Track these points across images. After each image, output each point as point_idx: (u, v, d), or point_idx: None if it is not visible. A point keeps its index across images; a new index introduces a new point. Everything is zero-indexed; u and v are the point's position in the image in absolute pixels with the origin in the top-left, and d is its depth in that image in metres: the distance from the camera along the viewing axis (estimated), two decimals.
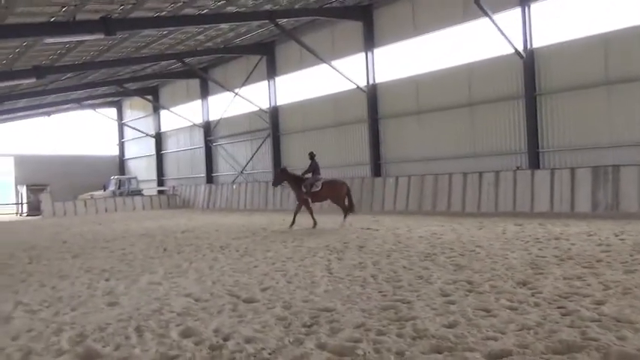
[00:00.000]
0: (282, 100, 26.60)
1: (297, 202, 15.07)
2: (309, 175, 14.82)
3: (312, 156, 14.96)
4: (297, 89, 25.65)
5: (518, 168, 17.04)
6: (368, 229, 13.62)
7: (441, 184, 18.15)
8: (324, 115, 24.13)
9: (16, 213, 33.96)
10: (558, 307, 5.09)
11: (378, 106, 21.60)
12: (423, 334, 4.47)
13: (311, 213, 14.72)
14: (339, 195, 14.62)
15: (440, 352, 4.05)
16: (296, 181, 14.73)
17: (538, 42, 16.81)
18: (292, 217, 14.79)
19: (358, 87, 21.70)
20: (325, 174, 24.13)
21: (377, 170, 21.75)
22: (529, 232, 11.29)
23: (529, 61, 16.81)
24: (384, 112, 21.47)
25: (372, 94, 21.56)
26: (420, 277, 6.95)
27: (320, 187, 14.46)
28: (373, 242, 10.79)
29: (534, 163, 16.88)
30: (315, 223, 14.47)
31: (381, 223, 14.97)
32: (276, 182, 15.20)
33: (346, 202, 14.71)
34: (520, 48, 16.83)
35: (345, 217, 14.68)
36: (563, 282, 6.19)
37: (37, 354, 4.49)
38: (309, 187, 14.45)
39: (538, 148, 16.92)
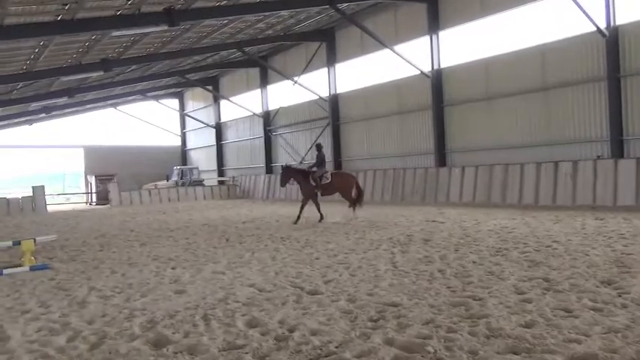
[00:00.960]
0: (342, 88, 26.54)
1: (303, 197, 14.78)
2: (315, 168, 14.55)
3: (319, 147, 14.68)
4: (357, 76, 25.49)
5: (599, 157, 16.10)
6: (433, 221, 13.47)
7: (511, 174, 17.50)
8: (386, 102, 23.85)
9: (86, 202, 36.28)
10: None
11: (443, 93, 21.07)
12: (498, 333, 4.34)
13: (318, 207, 14.56)
14: (348, 187, 14.40)
15: (517, 353, 3.92)
16: (304, 176, 14.49)
17: (622, 18, 15.75)
18: (298, 213, 14.60)
19: (422, 72, 21.25)
20: (387, 164, 24.26)
21: (442, 160, 21.26)
22: (612, 226, 10.67)
23: (612, 40, 15.80)
24: (450, 98, 20.91)
25: (437, 79, 21.04)
26: (491, 272, 6.77)
27: (330, 179, 14.23)
28: (439, 235, 10.65)
29: (617, 151, 15.87)
30: (321, 217, 14.28)
31: (446, 216, 14.74)
32: (283, 182, 14.80)
33: (354, 195, 14.43)
34: (602, 25, 15.84)
35: (353, 210, 14.42)
36: None
37: (111, 338, 4.78)
38: (318, 180, 14.19)
39: (622, 135, 15.88)
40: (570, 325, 4.46)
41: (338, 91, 26.71)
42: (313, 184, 14.04)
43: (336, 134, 26.83)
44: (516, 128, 18.75)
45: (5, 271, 8.49)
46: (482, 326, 4.52)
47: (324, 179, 14.13)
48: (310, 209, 15.17)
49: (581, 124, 17.03)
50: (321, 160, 14.54)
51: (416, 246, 9.39)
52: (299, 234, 12.09)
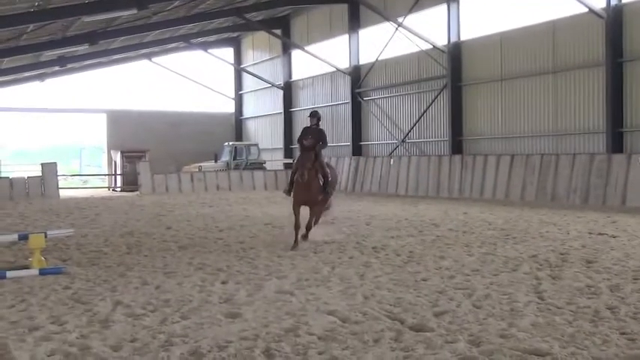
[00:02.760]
0: (468, 33, 26.01)
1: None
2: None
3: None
4: (491, 15, 24.87)
5: None
6: (600, 234, 13.05)
7: None
8: (534, 54, 23.14)
9: (109, 187, 38.30)
10: None
11: (623, 41, 20.13)
12: None
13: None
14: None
15: None
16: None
17: None
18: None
19: (592, 10, 20.35)
20: (532, 146, 23.63)
21: (617, 142, 20.32)
22: None
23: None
24: (633, 49, 19.92)
25: (617, 22, 20.09)
26: None
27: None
28: (609, 255, 10.31)
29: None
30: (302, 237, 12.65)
31: (621, 227, 14.21)
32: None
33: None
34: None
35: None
36: None
37: None
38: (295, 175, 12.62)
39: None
40: None
41: (462, 39, 26.20)
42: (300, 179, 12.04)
43: (457, 101, 26.38)
44: None
45: (9, 274, 9.23)
46: None
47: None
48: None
49: None
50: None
51: (573, 270, 9.10)
52: (399, 244, 12.09)
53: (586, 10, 20.33)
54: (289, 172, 33.90)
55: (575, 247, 11.35)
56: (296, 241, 11.88)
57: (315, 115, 12.66)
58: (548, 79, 22.72)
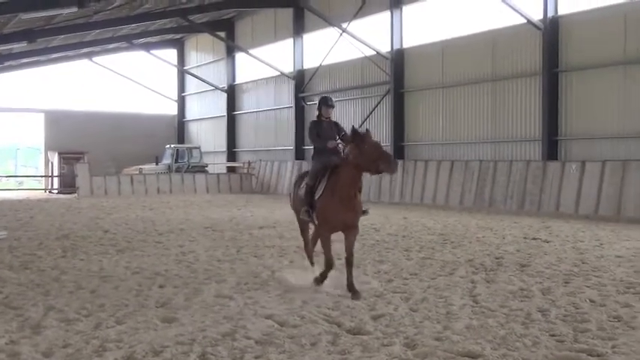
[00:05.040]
0: (410, 41, 26.37)
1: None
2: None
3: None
4: (433, 24, 25.27)
5: None
6: (534, 239, 13.35)
7: None
8: (475, 63, 23.56)
9: (45, 189, 37.39)
10: None
11: (559, 52, 20.72)
12: None
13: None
14: None
15: None
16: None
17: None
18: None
19: (530, 21, 20.89)
20: (471, 153, 24.12)
21: (552, 150, 20.91)
22: None
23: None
24: (568, 61, 20.53)
25: (553, 33, 20.66)
26: (618, 318, 6.71)
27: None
28: (542, 260, 10.57)
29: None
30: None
31: (554, 232, 14.58)
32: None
33: None
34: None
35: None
36: None
37: None
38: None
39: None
40: None
41: (405, 45, 26.55)
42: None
43: (399, 107, 26.70)
44: None
45: None
46: None
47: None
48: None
49: None
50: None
51: (507, 274, 9.31)
52: (340, 247, 12.12)
53: (524, 21, 20.88)
54: (234, 176, 34.36)
55: (510, 251, 11.62)
56: (321, 279, 8.56)
57: (331, 104, 9.24)
58: (488, 87, 23.24)
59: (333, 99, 9.53)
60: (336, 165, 8.43)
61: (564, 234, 14.20)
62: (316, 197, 8.46)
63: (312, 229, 9.40)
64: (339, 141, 8.87)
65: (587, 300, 7.53)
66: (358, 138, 8.07)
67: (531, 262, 10.36)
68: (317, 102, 9.33)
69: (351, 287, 7.99)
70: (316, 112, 9.27)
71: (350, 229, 8.50)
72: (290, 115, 33.34)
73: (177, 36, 41.75)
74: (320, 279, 8.52)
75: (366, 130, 8.40)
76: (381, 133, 27.82)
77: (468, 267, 9.92)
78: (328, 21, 28.72)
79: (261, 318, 6.79)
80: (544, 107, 20.87)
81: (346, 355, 5.51)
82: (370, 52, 27.56)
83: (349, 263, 8.22)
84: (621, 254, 11.17)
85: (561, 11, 20.60)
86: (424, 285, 8.52)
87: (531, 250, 11.67)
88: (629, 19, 18.75)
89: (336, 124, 9.26)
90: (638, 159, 18.13)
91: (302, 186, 9.00)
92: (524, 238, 13.58)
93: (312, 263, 9.46)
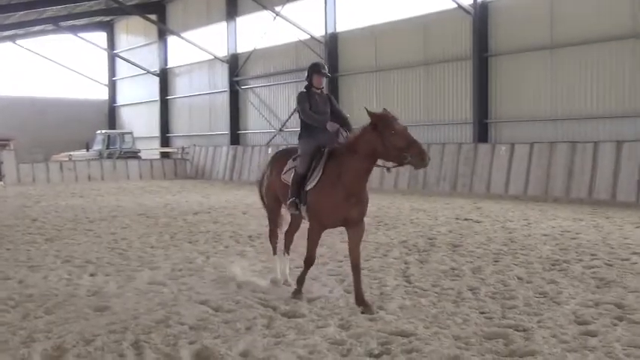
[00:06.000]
0: (344, 25, 26.46)
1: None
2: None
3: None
4: (366, 8, 25.42)
5: None
6: (465, 219, 13.61)
7: (581, 156, 17.61)
8: (408, 47, 23.86)
9: None
10: None
11: (488, 37, 21.17)
12: None
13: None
14: None
15: None
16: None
17: None
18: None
19: (460, 6, 21.24)
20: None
21: (483, 132, 21.41)
22: None
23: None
24: (497, 46, 20.99)
25: (482, 18, 21.08)
26: (544, 294, 6.92)
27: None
28: (473, 240, 10.80)
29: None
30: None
31: (485, 213, 14.89)
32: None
33: None
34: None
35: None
36: None
37: None
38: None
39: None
40: None
41: (338, 30, 26.62)
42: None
43: (333, 91, 26.74)
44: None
45: None
46: None
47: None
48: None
49: None
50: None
51: (440, 254, 9.50)
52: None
53: (455, 5, 21.20)
54: (168, 161, 33.89)
55: (442, 232, 11.85)
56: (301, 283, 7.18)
57: (324, 72, 8.05)
58: (420, 71, 23.55)
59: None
60: (335, 149, 7.18)
61: (494, 214, 14.56)
62: (308, 187, 7.05)
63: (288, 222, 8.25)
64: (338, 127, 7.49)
65: (515, 277, 7.74)
66: (383, 122, 6.78)
67: (463, 242, 10.59)
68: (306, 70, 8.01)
69: (360, 300, 6.58)
70: (305, 82, 7.95)
71: (354, 227, 7.15)
72: (224, 99, 33.04)
73: (107, 18, 40.74)
74: (299, 282, 7.14)
75: (391, 114, 6.92)
76: None
77: (401, 248, 10.08)
78: (262, 4, 28.52)
79: (196, 304, 6.74)
80: (475, 91, 21.31)
81: (281, 337, 5.53)
82: (304, 36, 27.54)
83: (356, 270, 6.77)
84: (548, 233, 11.51)
85: None
86: None
87: (463, 231, 11.93)
88: (556, 3, 19.28)
89: (329, 97, 7.92)
90: (564, 140, 18.74)
91: (285, 171, 7.48)
92: (456, 219, 13.85)
93: (288, 252, 8.21)
